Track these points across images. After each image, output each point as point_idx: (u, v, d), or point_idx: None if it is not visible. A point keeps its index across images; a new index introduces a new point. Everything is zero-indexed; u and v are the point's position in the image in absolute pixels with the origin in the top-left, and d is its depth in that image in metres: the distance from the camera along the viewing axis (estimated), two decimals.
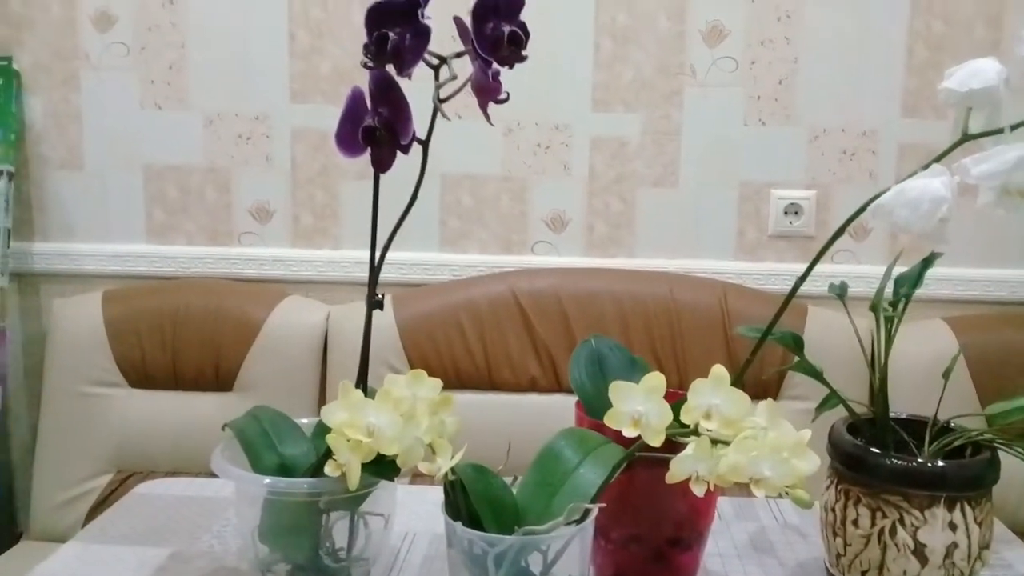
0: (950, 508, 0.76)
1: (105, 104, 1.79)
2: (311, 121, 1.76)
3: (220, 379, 1.66)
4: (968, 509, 0.76)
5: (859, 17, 1.69)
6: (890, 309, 0.82)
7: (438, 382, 0.75)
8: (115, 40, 1.77)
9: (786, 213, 1.74)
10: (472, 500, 0.69)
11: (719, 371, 0.69)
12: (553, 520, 0.67)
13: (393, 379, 0.74)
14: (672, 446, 0.69)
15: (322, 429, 0.80)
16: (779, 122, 1.72)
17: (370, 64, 0.69)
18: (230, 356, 1.65)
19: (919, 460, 0.78)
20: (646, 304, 1.63)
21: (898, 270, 0.85)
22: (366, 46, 0.68)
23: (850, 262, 1.74)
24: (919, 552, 0.76)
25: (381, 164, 0.72)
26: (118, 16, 1.76)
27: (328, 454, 0.73)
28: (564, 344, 1.61)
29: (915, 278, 0.83)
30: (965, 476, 0.77)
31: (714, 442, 0.68)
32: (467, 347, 1.62)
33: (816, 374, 0.82)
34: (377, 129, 0.70)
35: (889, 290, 0.84)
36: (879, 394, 0.83)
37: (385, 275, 0.78)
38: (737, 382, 0.69)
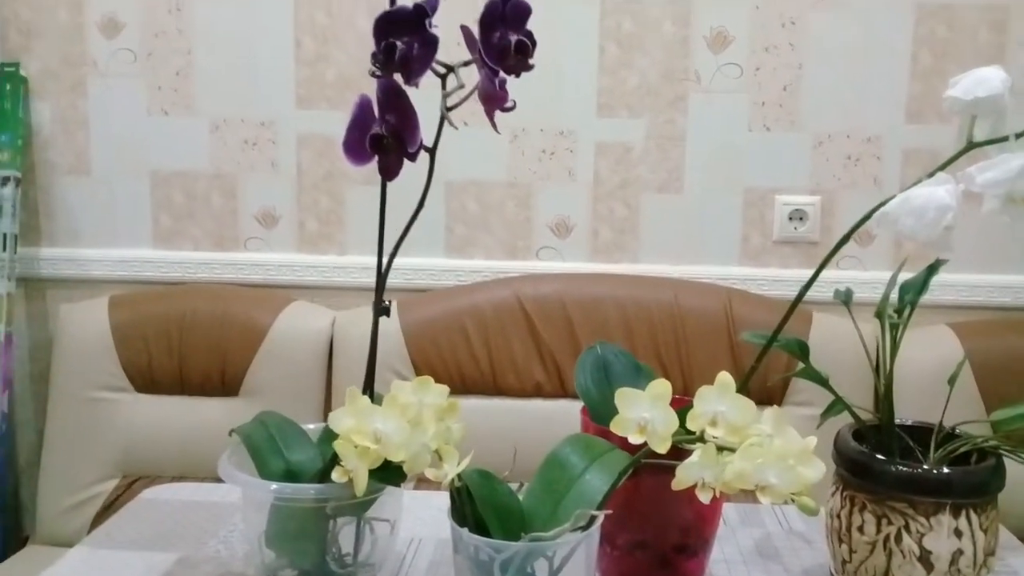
0: (955, 515, 0.76)
1: (112, 110, 1.79)
2: (317, 127, 1.77)
3: (226, 384, 1.67)
4: (973, 516, 0.76)
5: (863, 23, 1.69)
6: (895, 316, 0.82)
7: (445, 388, 0.75)
8: (122, 46, 1.78)
9: (791, 219, 1.74)
10: (478, 506, 0.69)
11: (725, 378, 0.69)
12: (559, 526, 0.68)
13: (400, 385, 0.74)
14: (678, 453, 0.70)
15: (328, 435, 0.81)
16: (784, 128, 1.73)
17: (378, 73, 0.69)
18: (236, 361, 1.66)
19: (924, 467, 0.78)
20: (651, 310, 1.63)
21: (903, 277, 0.86)
22: (374, 55, 0.68)
23: (855, 268, 1.74)
24: (924, 559, 0.76)
25: (388, 172, 0.72)
26: (125, 23, 1.77)
27: (335, 460, 0.73)
28: (569, 350, 1.61)
29: (920, 285, 0.83)
30: (970, 483, 0.77)
31: (720, 449, 0.68)
32: (472, 352, 1.63)
33: (821, 380, 0.82)
34: (384, 137, 0.70)
35: (894, 296, 0.84)
36: (884, 400, 0.83)
37: (390, 281, 0.79)
38: (742, 389, 0.70)
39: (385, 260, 0.77)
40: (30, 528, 1.80)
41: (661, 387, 0.70)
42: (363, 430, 0.70)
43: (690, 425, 0.70)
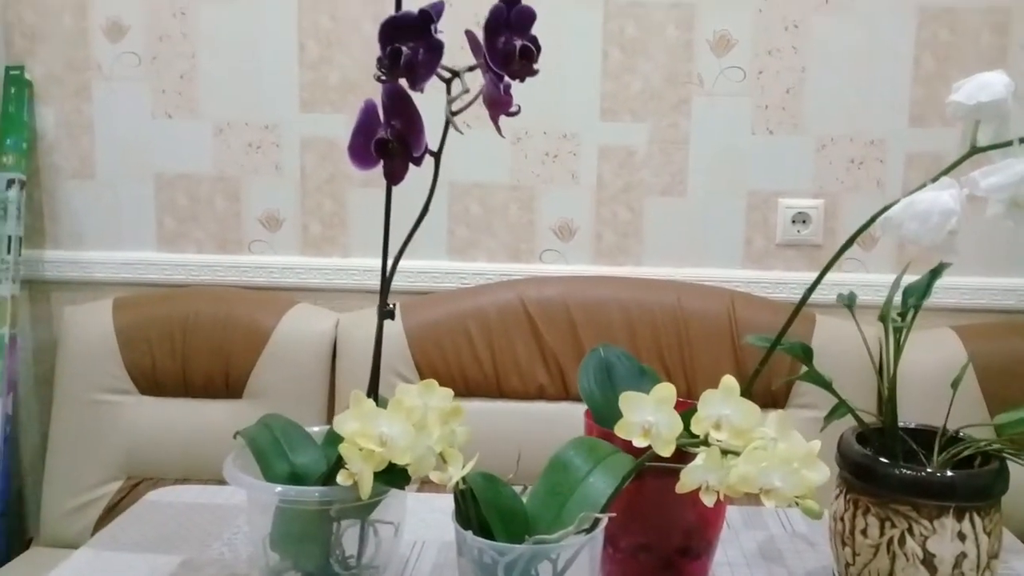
0: (959, 518, 0.76)
1: (116, 113, 1.80)
2: (320, 130, 1.77)
3: (230, 386, 1.67)
4: (977, 519, 0.76)
5: (866, 26, 1.69)
6: (899, 319, 0.82)
7: (449, 392, 0.75)
8: (126, 50, 1.78)
9: (794, 222, 1.74)
10: (482, 509, 0.69)
11: (729, 382, 0.69)
12: (563, 529, 0.68)
13: (405, 389, 0.74)
14: (681, 455, 0.70)
15: (333, 437, 0.81)
16: (787, 131, 1.73)
17: (384, 78, 0.69)
18: (239, 363, 1.66)
19: (928, 470, 0.78)
20: (654, 312, 1.64)
21: (907, 280, 0.86)
22: (380, 60, 0.68)
23: (858, 271, 1.74)
24: (928, 562, 0.76)
25: (393, 176, 0.72)
26: (129, 26, 1.77)
27: (339, 463, 0.73)
28: (572, 352, 1.62)
29: (924, 289, 0.83)
30: (974, 486, 0.77)
31: (724, 452, 0.68)
32: (475, 355, 1.63)
33: (825, 384, 0.82)
34: (390, 141, 0.71)
35: (897, 300, 0.85)
36: (888, 404, 0.83)
37: (393, 283, 0.79)
38: (746, 392, 0.70)
39: (390, 263, 0.78)
40: (34, 530, 1.80)
41: (665, 391, 0.70)
42: (368, 433, 0.71)
43: (694, 428, 0.70)
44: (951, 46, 1.68)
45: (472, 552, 0.69)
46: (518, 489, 0.74)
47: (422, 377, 1.58)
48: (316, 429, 0.88)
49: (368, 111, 0.72)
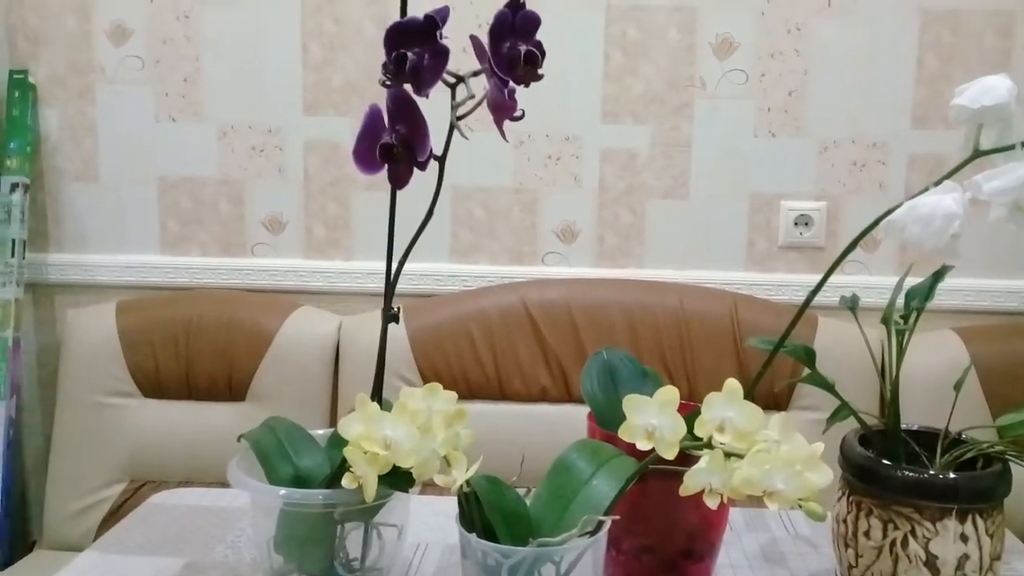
0: (962, 520, 0.76)
1: (120, 117, 1.80)
2: (323, 133, 1.78)
3: (233, 389, 1.67)
4: (980, 521, 0.76)
5: (869, 29, 1.69)
6: (901, 322, 0.82)
7: (453, 395, 0.75)
8: (130, 53, 1.79)
9: (796, 224, 1.74)
10: (486, 511, 0.70)
11: (733, 385, 0.69)
12: (567, 532, 0.68)
13: (409, 392, 0.74)
14: (685, 458, 0.70)
15: (336, 440, 0.81)
16: (789, 134, 1.73)
17: (389, 83, 0.69)
18: (243, 366, 1.67)
19: (931, 472, 0.79)
20: (656, 315, 1.64)
21: (909, 282, 0.86)
22: (385, 65, 0.69)
23: (861, 273, 1.74)
24: (931, 564, 0.76)
25: (398, 180, 0.72)
26: (133, 30, 1.78)
27: (343, 465, 0.74)
28: (574, 354, 1.62)
29: (926, 291, 0.84)
30: (977, 488, 0.77)
31: (728, 455, 0.68)
32: (478, 357, 1.63)
33: (828, 386, 0.82)
34: (395, 146, 0.71)
35: (900, 302, 0.85)
36: (890, 406, 0.83)
37: (397, 286, 0.79)
38: (749, 394, 0.70)
39: (394, 267, 0.78)
40: (37, 533, 1.80)
41: (669, 394, 0.70)
42: (373, 436, 0.71)
43: (697, 431, 0.70)
44: (954, 48, 1.69)
45: (476, 555, 0.69)
46: (521, 492, 0.74)
47: (425, 380, 1.59)
48: (320, 432, 0.88)
49: (373, 116, 0.72)
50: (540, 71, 0.70)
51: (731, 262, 1.77)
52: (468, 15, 1.63)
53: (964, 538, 0.76)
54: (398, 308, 0.79)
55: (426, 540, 0.98)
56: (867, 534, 0.79)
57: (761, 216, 1.75)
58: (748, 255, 1.77)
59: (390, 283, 0.78)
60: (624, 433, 0.71)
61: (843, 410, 0.83)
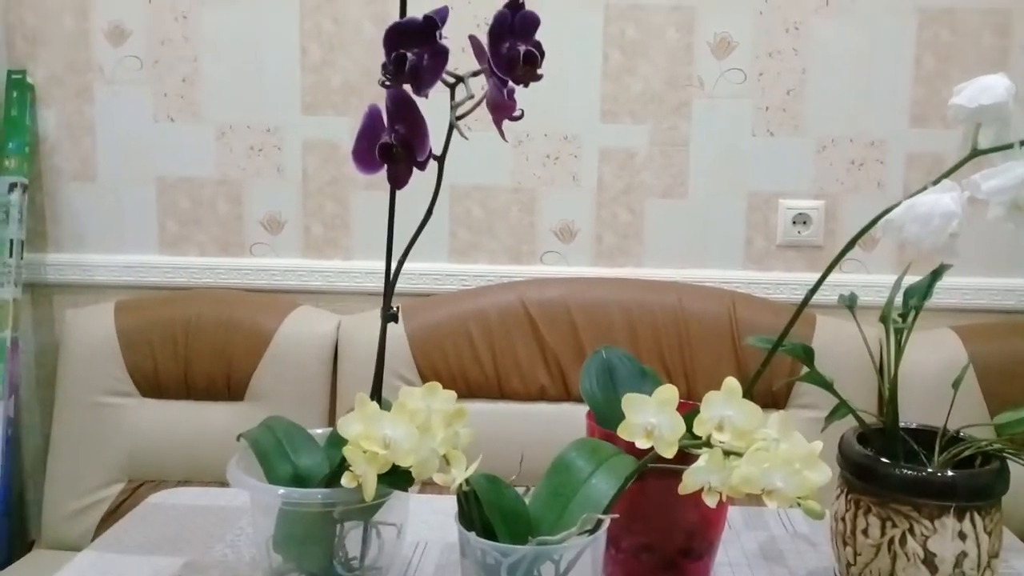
0: (960, 518, 0.76)
1: (118, 117, 1.80)
2: (322, 133, 1.78)
3: (231, 389, 1.67)
4: (978, 519, 0.76)
5: (867, 28, 1.69)
6: (900, 320, 0.83)
7: (452, 394, 0.75)
8: (128, 54, 1.78)
9: (794, 223, 1.74)
10: (485, 510, 0.70)
11: (732, 383, 0.69)
12: (566, 530, 0.68)
13: (408, 391, 0.75)
14: (683, 456, 0.70)
15: (336, 439, 0.81)
16: (787, 133, 1.73)
17: (388, 83, 0.69)
18: (241, 366, 1.67)
19: (929, 470, 0.79)
20: (654, 313, 1.64)
21: (907, 280, 0.86)
22: (385, 65, 0.69)
23: (859, 271, 1.75)
24: (929, 561, 0.76)
25: (397, 181, 0.73)
26: (132, 30, 1.78)
27: (342, 465, 0.74)
28: (573, 353, 1.62)
29: (924, 290, 0.84)
30: (975, 486, 0.77)
31: (726, 453, 0.68)
32: (476, 356, 1.63)
33: (826, 385, 0.83)
34: (394, 146, 0.71)
35: (898, 301, 0.85)
36: (889, 405, 0.83)
37: (395, 286, 0.79)
38: (747, 393, 0.70)
39: (393, 266, 0.78)
40: (36, 532, 1.80)
41: (668, 393, 0.70)
42: (372, 436, 0.71)
43: (697, 430, 0.70)
44: (952, 47, 1.69)
45: (475, 553, 0.69)
46: (521, 491, 0.74)
47: (423, 379, 1.59)
48: (319, 431, 0.88)
49: (372, 116, 0.72)
50: (539, 71, 0.70)
51: (729, 261, 1.77)
52: (467, 15, 1.63)
53: (962, 536, 0.76)
54: (397, 307, 0.79)
55: (425, 539, 0.98)
56: (865, 532, 0.79)
57: (759, 215, 1.75)
58: (746, 254, 1.77)
59: (389, 282, 0.78)
60: (623, 432, 0.71)
61: (841, 408, 0.83)
